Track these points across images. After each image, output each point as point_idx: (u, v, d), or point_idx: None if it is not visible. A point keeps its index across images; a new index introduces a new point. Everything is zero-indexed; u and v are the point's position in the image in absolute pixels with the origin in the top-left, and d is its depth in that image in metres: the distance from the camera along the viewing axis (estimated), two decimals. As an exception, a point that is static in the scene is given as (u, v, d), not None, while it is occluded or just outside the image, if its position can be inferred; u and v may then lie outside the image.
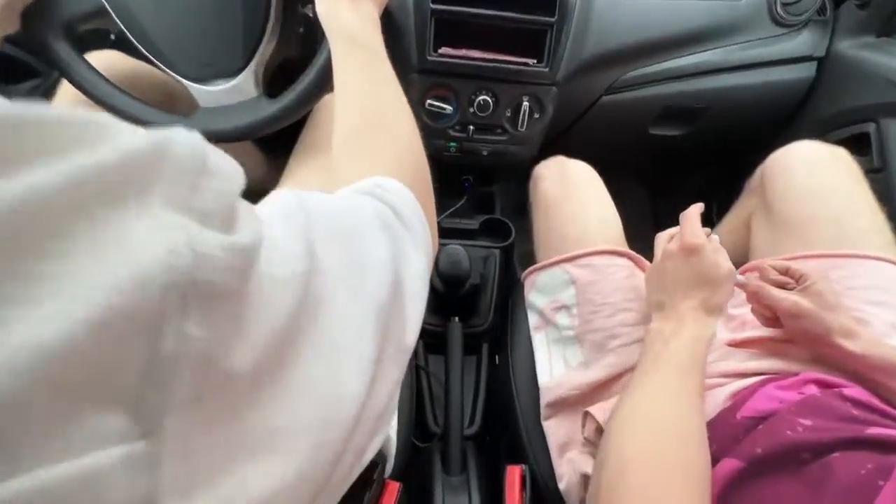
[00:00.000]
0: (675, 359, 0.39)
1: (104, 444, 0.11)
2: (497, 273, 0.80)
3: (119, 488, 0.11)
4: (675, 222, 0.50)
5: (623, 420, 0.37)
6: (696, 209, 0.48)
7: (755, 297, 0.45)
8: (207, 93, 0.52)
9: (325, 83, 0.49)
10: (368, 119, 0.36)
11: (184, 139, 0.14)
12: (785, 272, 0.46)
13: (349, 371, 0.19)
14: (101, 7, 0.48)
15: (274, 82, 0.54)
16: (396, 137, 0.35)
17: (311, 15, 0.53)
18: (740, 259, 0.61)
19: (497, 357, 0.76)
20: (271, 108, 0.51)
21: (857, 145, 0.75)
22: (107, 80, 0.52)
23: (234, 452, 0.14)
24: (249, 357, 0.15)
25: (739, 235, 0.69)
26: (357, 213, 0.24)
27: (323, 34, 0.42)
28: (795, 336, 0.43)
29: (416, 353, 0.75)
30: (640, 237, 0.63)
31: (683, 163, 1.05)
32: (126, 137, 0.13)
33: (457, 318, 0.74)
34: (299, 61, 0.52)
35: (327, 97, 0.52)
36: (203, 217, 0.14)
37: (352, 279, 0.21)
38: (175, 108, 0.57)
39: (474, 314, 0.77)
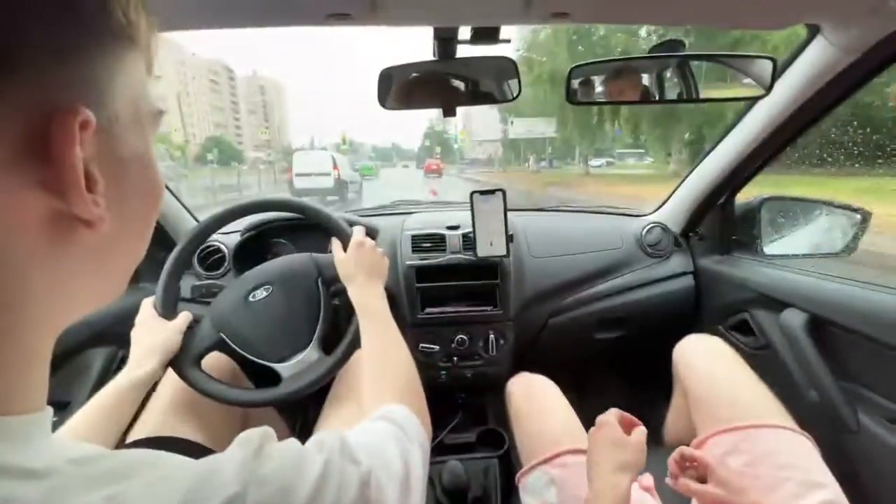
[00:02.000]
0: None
1: None
2: (498, 483, 0.90)
3: None
4: (640, 410, 0.66)
5: None
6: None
7: (686, 491, 0.57)
8: (287, 367, 0.73)
9: (357, 341, 0.73)
10: (384, 366, 0.57)
11: None
12: (692, 461, 0.59)
13: None
14: (219, 339, 0.74)
15: (326, 342, 0.77)
16: (402, 375, 0.55)
17: (339, 302, 0.80)
18: (690, 431, 0.75)
19: None
20: (329, 361, 0.72)
21: (744, 329, 1.00)
22: (220, 381, 0.72)
23: None
24: None
25: (681, 412, 0.84)
26: (378, 433, 0.41)
27: (351, 307, 0.68)
28: None
29: None
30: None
31: (629, 358, 1.26)
32: None
33: (467, 537, 0.80)
34: (340, 325, 0.77)
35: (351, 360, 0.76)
36: None
37: (385, 472, 0.35)
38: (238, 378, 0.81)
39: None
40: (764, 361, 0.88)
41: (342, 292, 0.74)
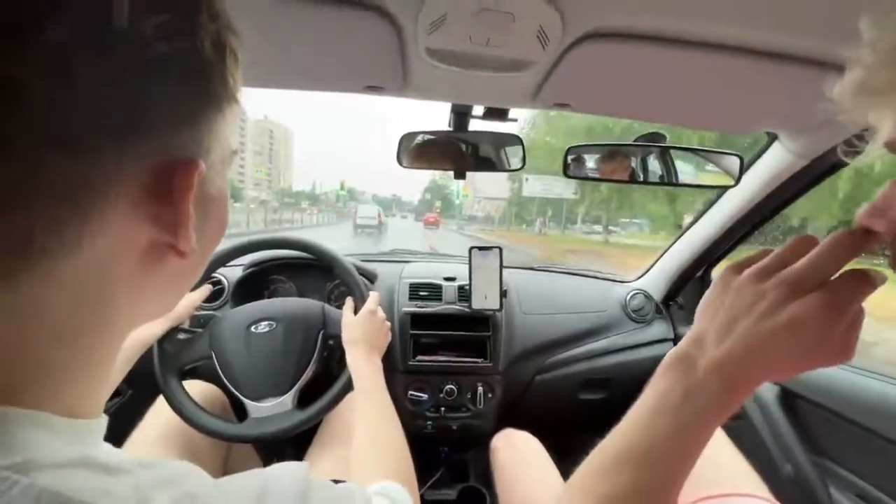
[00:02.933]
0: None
1: None
2: (478, 545, 0.87)
3: None
4: None
5: None
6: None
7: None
8: (258, 407, 0.75)
9: (336, 402, 0.74)
10: (378, 441, 0.57)
11: None
12: None
13: None
14: (209, 355, 0.77)
15: (303, 395, 0.79)
16: (395, 451, 0.56)
17: (331, 360, 0.83)
18: None
19: None
20: (300, 416, 0.73)
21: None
22: (194, 402, 0.75)
23: None
24: None
25: None
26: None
27: (339, 366, 0.70)
28: None
29: None
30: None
31: (612, 419, 1.28)
32: None
33: None
34: (321, 383, 0.79)
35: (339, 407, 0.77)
36: None
37: None
38: (228, 415, 0.80)
39: None
40: (739, 432, 0.91)
41: (338, 350, 0.76)
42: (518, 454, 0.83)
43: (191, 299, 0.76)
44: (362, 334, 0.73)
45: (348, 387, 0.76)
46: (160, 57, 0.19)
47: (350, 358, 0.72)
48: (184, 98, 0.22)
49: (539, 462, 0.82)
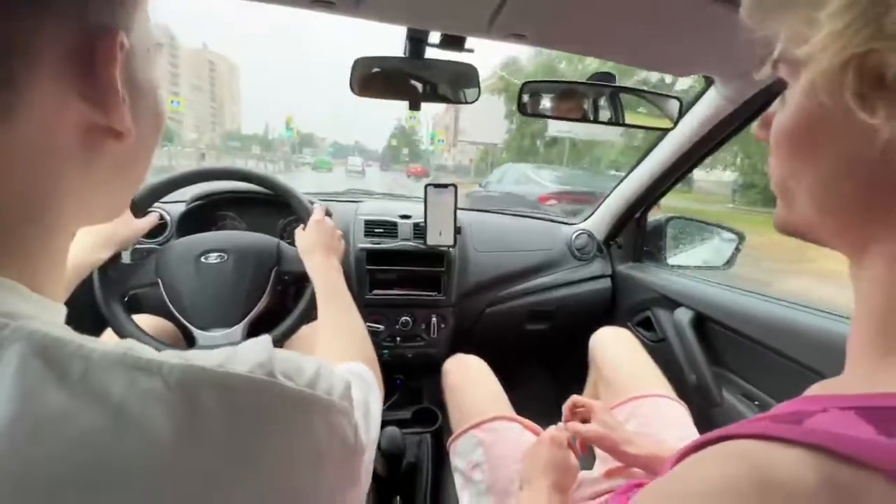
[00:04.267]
0: None
1: None
2: (430, 453, 0.97)
3: None
4: (553, 393, 0.77)
5: None
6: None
7: (574, 432, 0.67)
8: (207, 336, 0.75)
9: (289, 334, 0.75)
10: (340, 332, 0.60)
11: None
12: (580, 406, 0.71)
13: None
14: (154, 282, 0.75)
15: (253, 330, 0.78)
16: (358, 340, 0.59)
17: (285, 293, 0.83)
18: None
19: None
20: None
21: (647, 325, 1.18)
22: (137, 326, 0.73)
23: None
24: None
25: (594, 390, 0.98)
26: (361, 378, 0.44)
27: (292, 302, 0.71)
28: (608, 452, 0.67)
29: None
30: (529, 407, 0.88)
31: (554, 347, 1.42)
32: None
33: (398, 498, 0.86)
34: (275, 317, 0.80)
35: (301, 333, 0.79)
36: None
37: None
38: (177, 345, 0.80)
39: (414, 493, 0.90)
40: (661, 353, 1.05)
41: (292, 286, 0.76)
42: (467, 373, 0.91)
43: (136, 225, 0.73)
44: (316, 240, 0.75)
45: (302, 319, 0.78)
46: None
47: (309, 264, 0.73)
48: None
49: (487, 381, 0.90)
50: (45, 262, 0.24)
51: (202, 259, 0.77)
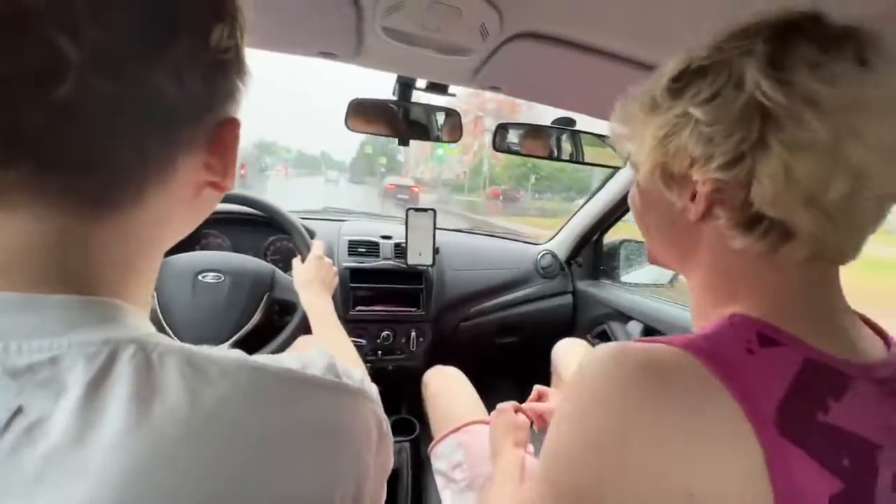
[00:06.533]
0: (504, 469, 0.67)
1: None
2: (409, 461, 1.04)
3: None
4: (522, 399, 0.85)
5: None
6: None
7: (531, 412, 0.75)
8: None
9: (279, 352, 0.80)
10: (334, 348, 0.67)
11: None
12: (544, 395, 0.80)
13: None
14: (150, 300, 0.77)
15: (238, 347, 0.82)
16: (351, 357, 0.66)
17: (274, 322, 0.87)
18: None
19: None
20: None
21: (604, 337, 1.31)
22: None
23: None
24: None
25: (556, 397, 1.09)
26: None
27: (279, 320, 0.76)
28: None
29: None
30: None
31: (522, 358, 1.52)
32: None
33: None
34: (258, 334, 0.84)
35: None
36: None
37: None
38: None
39: (395, 499, 0.96)
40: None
41: (280, 314, 0.80)
42: (447, 383, 0.98)
43: None
44: (315, 276, 0.80)
45: (291, 339, 0.83)
46: (227, 54, 0.27)
47: (304, 296, 0.78)
48: (235, 79, 0.29)
49: (464, 389, 0.98)
50: (149, 280, 0.30)
51: (199, 277, 0.81)
